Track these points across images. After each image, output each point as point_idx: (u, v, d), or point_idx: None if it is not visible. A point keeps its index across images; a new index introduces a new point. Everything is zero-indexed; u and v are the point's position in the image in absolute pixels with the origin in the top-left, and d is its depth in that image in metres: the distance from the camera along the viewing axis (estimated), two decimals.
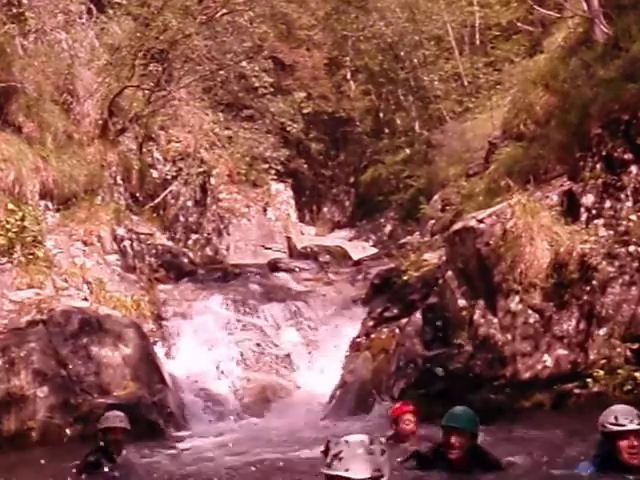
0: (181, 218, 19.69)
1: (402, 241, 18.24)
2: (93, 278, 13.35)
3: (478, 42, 24.22)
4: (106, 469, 7.79)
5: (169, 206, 19.17)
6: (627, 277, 9.70)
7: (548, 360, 9.84)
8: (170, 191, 19.02)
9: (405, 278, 13.44)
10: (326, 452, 4.44)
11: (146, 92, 17.77)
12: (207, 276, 16.28)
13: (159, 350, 12.96)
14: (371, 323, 13.44)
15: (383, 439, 8.22)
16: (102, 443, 7.89)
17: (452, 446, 6.01)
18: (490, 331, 10.09)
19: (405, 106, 27.07)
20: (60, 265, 13.13)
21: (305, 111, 26.82)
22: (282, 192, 24.69)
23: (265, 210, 22.69)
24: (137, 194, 17.37)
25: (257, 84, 20.77)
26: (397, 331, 12.39)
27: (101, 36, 17.31)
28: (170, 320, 14.07)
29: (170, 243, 17.44)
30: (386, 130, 28.29)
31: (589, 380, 9.52)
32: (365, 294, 14.82)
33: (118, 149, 16.76)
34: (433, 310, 11.20)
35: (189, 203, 19.89)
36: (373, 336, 13.05)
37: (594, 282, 9.75)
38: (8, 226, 12.35)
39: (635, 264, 9.68)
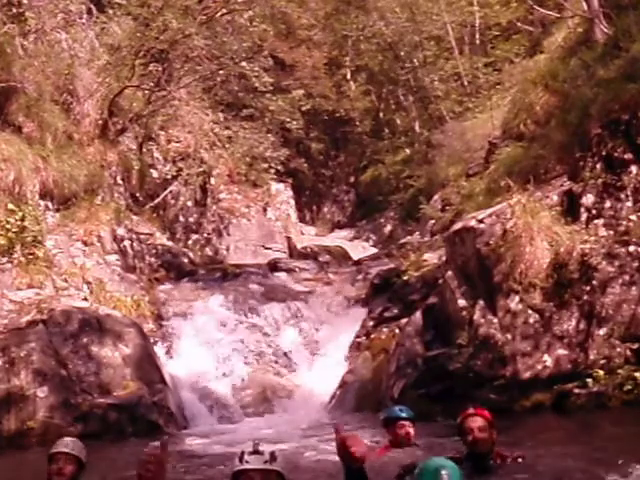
0: (181, 218, 19.68)
1: (402, 241, 18.26)
2: (93, 278, 13.36)
3: (478, 42, 24.22)
4: None
5: (169, 206, 19.17)
6: (627, 277, 9.71)
7: (548, 360, 9.84)
8: (170, 191, 19.02)
9: (405, 278, 13.47)
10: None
11: (146, 92, 17.76)
12: (207, 276, 16.27)
13: (159, 350, 12.96)
14: (371, 323, 13.46)
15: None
16: None
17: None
18: (490, 331, 10.09)
19: (405, 106, 27.07)
20: (60, 265, 13.13)
21: (304, 109, 26.78)
22: (282, 192, 24.64)
23: (265, 210, 22.67)
24: (137, 194, 17.37)
25: (257, 84, 20.75)
26: (397, 331, 12.39)
27: (101, 36, 17.30)
28: (170, 320, 14.08)
29: (170, 243, 17.44)
30: (386, 130, 28.28)
31: (589, 380, 9.53)
32: (365, 294, 14.82)
33: (118, 149, 16.75)
34: (433, 310, 11.20)
35: (189, 203, 19.89)
36: (373, 336, 13.06)
37: (594, 282, 9.76)
38: (8, 226, 12.36)
39: (635, 264, 9.70)
